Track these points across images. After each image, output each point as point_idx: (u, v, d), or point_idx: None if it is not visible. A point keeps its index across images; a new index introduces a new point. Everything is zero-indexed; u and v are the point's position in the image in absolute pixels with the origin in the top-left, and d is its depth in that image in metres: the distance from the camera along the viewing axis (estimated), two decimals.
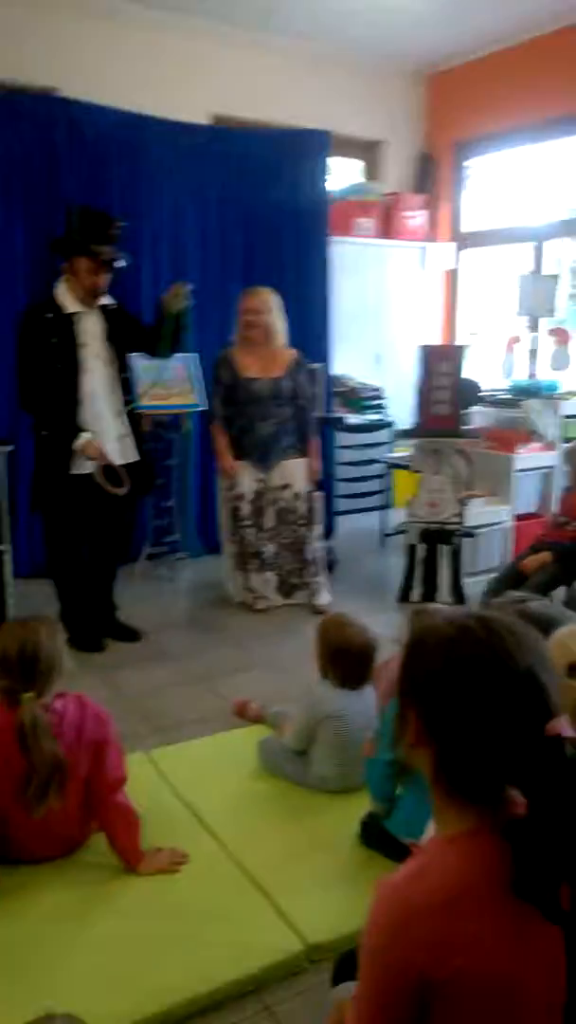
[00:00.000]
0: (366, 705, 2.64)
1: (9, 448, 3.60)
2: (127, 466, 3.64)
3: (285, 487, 4.28)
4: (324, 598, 4.36)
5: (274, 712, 3.02)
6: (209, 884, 2.20)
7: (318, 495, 4.43)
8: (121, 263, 3.58)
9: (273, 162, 5.17)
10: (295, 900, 2.14)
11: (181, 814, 2.51)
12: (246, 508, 4.26)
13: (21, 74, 4.88)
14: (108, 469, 3.52)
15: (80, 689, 2.32)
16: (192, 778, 2.69)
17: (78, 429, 3.49)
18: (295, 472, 4.28)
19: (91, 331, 3.58)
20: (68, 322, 3.52)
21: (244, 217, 5.15)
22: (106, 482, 3.51)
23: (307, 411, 4.31)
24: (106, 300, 3.64)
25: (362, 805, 2.41)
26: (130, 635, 3.95)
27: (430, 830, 1.81)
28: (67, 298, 3.54)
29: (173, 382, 4.64)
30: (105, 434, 3.61)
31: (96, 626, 3.86)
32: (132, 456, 3.72)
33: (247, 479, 4.25)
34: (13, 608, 3.65)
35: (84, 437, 3.49)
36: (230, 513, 4.32)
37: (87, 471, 3.54)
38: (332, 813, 2.52)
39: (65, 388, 3.51)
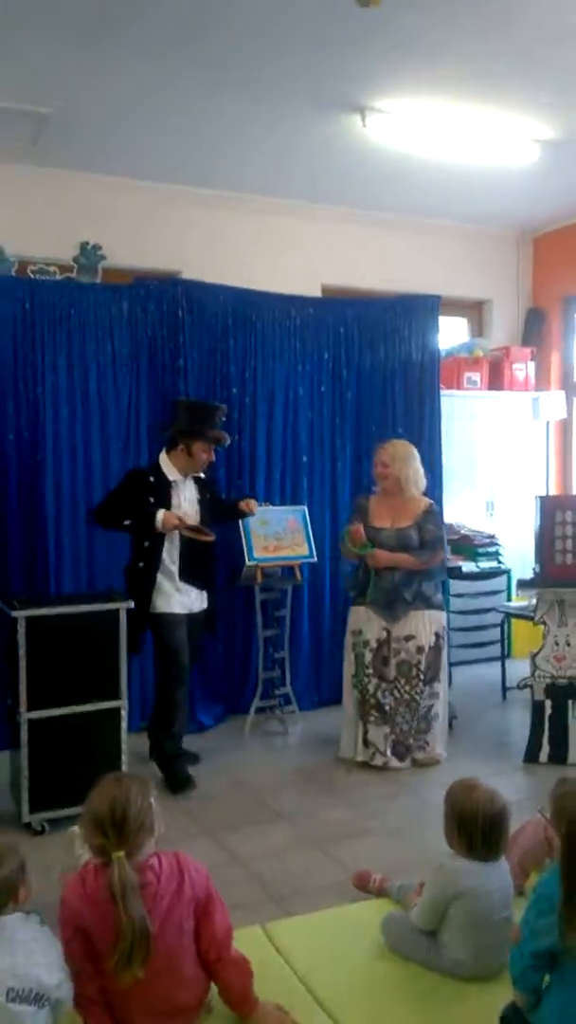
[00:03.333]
0: (502, 880, 2.44)
1: (130, 604, 3.68)
2: (200, 613, 4.13)
3: (409, 638, 4.19)
4: (436, 751, 4.22)
5: (399, 886, 2.82)
6: None
7: (443, 644, 4.29)
8: (227, 442, 4.24)
9: (385, 326, 5.41)
10: None
11: (301, 996, 2.32)
12: (369, 656, 4.19)
13: (148, 260, 5.36)
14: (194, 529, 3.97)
15: (194, 852, 2.25)
16: (311, 956, 2.50)
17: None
18: (419, 624, 4.19)
19: (188, 496, 4.11)
20: (168, 487, 4.03)
21: (356, 377, 5.35)
22: (195, 534, 3.94)
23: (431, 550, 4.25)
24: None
25: (501, 993, 2.17)
26: (191, 759, 4.17)
27: None
28: (168, 467, 4.07)
29: (285, 534, 4.72)
30: (199, 581, 4.08)
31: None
32: (204, 604, 4.16)
33: (373, 626, 4.20)
34: (126, 764, 3.62)
35: (160, 514, 3.89)
36: (356, 659, 4.24)
37: (173, 610, 3.98)
38: (467, 1002, 2.28)
39: (154, 540, 3.94)
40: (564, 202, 6.10)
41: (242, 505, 4.31)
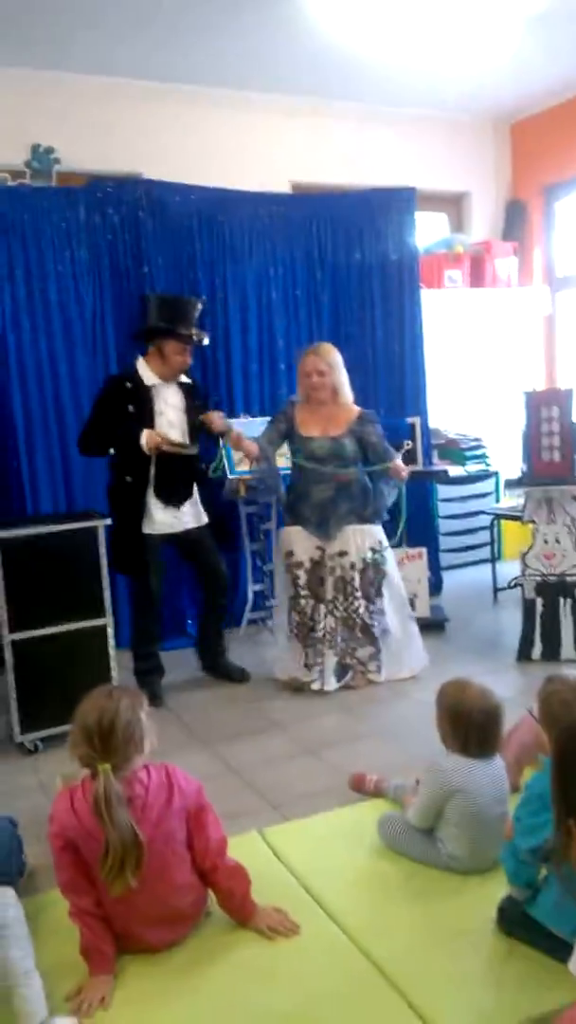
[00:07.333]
0: (496, 777, 2.41)
1: (107, 522, 3.58)
2: (200, 528, 3.97)
3: (342, 554, 3.93)
4: (382, 676, 4.00)
5: (395, 786, 2.80)
6: (336, 978, 2.00)
7: (386, 557, 4.02)
8: (206, 341, 3.95)
9: (359, 222, 5.18)
10: (431, 995, 1.90)
11: (300, 898, 2.31)
12: (304, 577, 3.95)
13: (107, 163, 5.05)
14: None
15: (189, 762, 2.22)
16: (310, 858, 2.50)
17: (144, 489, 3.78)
18: (352, 538, 3.93)
19: (170, 401, 3.87)
20: (147, 393, 3.80)
21: (332, 278, 5.16)
22: (178, 449, 3.75)
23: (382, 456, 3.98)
24: (183, 377, 3.93)
25: (498, 886, 2.17)
26: (238, 675, 4.15)
27: None
28: (147, 372, 3.82)
29: None
30: (175, 498, 3.87)
31: (157, 680, 4.01)
32: (203, 520, 3.99)
33: (304, 546, 3.95)
34: (116, 681, 3.58)
35: (143, 436, 3.69)
36: (290, 582, 4.00)
37: (156, 532, 3.83)
38: (466, 896, 2.28)
39: (139, 454, 3.71)
40: (544, 83, 5.78)
41: (204, 420, 3.93)
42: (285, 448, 4.15)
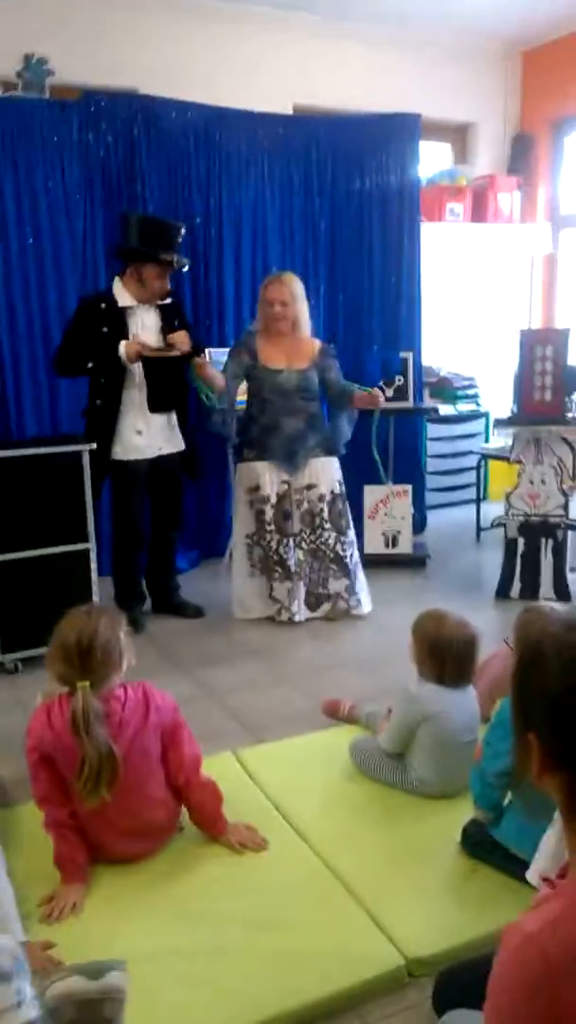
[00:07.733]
0: (468, 704, 2.47)
1: (92, 446, 3.54)
2: (175, 455, 3.91)
3: (310, 487, 3.95)
4: (363, 608, 4.03)
5: (368, 712, 2.86)
6: (302, 892, 2.06)
7: (344, 497, 4.02)
8: (186, 267, 3.85)
9: (360, 149, 5.02)
10: (394, 910, 1.98)
11: (271, 816, 2.38)
12: (270, 512, 3.91)
13: (101, 76, 4.84)
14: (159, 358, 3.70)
15: (168, 685, 2.25)
16: (282, 780, 2.56)
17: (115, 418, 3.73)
18: (320, 471, 3.95)
19: (146, 324, 3.77)
20: (121, 315, 3.70)
21: (330, 205, 5.03)
22: (163, 352, 3.69)
23: (339, 396, 4.01)
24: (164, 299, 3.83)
25: (464, 811, 2.24)
26: (193, 611, 4.09)
27: (549, 846, 1.64)
28: (123, 294, 3.72)
29: None
30: (150, 424, 3.79)
31: (138, 606, 4.01)
32: (179, 446, 3.92)
33: (271, 480, 3.91)
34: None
35: (121, 346, 3.63)
36: (253, 517, 3.96)
37: (131, 457, 3.79)
38: (432, 819, 2.35)
39: (111, 376, 3.67)
40: (559, 11, 5.54)
41: (169, 339, 3.77)
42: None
